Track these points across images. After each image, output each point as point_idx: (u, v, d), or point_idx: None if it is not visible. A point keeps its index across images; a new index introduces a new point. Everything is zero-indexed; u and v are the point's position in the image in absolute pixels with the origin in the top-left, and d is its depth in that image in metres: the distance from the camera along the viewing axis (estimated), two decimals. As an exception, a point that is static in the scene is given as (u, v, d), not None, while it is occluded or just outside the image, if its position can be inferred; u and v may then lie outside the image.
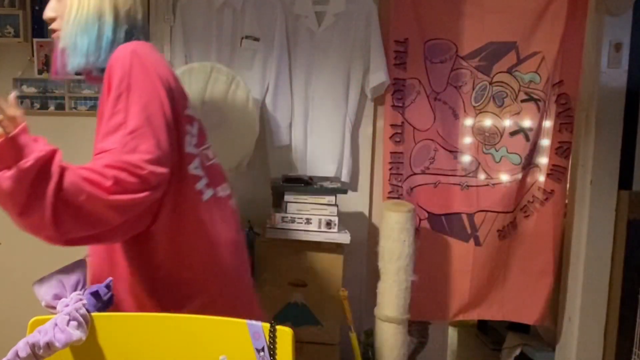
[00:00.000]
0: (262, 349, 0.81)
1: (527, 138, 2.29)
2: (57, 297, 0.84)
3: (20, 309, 1.82)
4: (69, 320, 0.81)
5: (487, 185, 2.31)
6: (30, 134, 0.96)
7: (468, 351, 2.91)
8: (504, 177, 2.30)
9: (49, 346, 0.79)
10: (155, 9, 2.37)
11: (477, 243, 2.31)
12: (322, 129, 2.35)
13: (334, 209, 2.05)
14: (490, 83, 2.30)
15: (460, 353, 2.87)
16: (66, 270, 0.88)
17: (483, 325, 3.01)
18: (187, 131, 1.19)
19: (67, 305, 0.83)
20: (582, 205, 2.22)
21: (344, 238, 2.01)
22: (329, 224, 2.03)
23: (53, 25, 1.24)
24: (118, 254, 1.16)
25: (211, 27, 2.31)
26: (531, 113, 2.27)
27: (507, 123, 2.30)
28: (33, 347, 0.79)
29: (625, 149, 2.16)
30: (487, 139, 2.32)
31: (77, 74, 1.31)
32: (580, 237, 2.21)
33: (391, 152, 2.33)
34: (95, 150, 1.08)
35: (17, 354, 0.78)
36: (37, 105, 2.49)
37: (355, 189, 2.42)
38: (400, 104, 2.32)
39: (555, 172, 2.28)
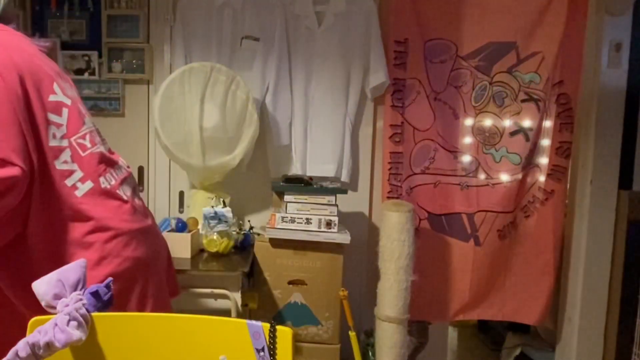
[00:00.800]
0: (262, 349, 0.81)
1: (527, 138, 2.29)
2: (57, 297, 0.84)
3: (20, 309, 1.82)
4: (69, 320, 0.81)
5: (487, 185, 2.31)
6: None
7: (468, 351, 2.90)
8: (504, 177, 2.30)
9: (49, 346, 0.79)
10: (155, 9, 2.37)
11: (477, 243, 2.31)
12: (322, 129, 2.35)
13: (334, 209, 2.05)
14: (490, 83, 2.30)
15: (460, 353, 2.86)
16: (66, 270, 0.88)
17: (483, 325, 3.01)
18: (51, 121, 1.07)
19: (67, 305, 0.83)
20: (582, 205, 2.22)
21: (344, 238, 2.01)
22: (329, 224, 2.03)
23: None
24: None
25: (211, 27, 2.31)
26: (531, 113, 2.27)
27: (507, 123, 2.30)
28: (33, 347, 0.79)
29: (625, 149, 2.16)
30: (487, 139, 2.32)
31: None
32: (580, 237, 2.21)
33: (391, 152, 2.33)
34: None
35: (17, 354, 0.78)
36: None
37: (355, 189, 2.42)
38: (400, 104, 2.32)
39: (556, 172, 2.28)
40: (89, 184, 1.10)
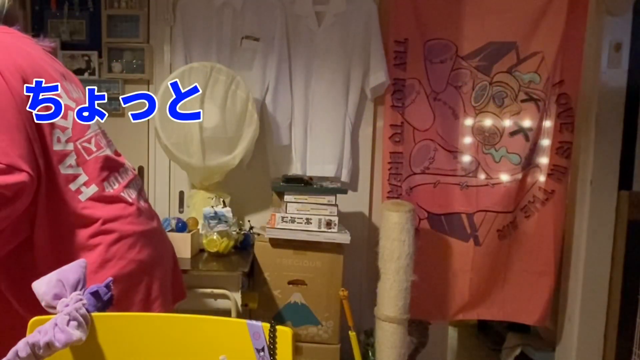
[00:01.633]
0: (262, 349, 0.81)
1: (527, 138, 2.28)
2: (57, 297, 0.84)
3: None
4: (69, 320, 0.81)
5: (487, 185, 2.31)
6: None
7: (468, 351, 2.90)
8: (504, 177, 2.30)
9: (49, 346, 0.79)
10: (155, 9, 2.37)
11: (477, 243, 2.31)
12: (322, 129, 2.35)
13: (334, 209, 2.05)
14: (490, 83, 2.30)
15: (460, 353, 2.86)
16: (66, 270, 0.88)
17: (483, 325, 3.01)
18: (56, 125, 1.06)
19: (67, 305, 0.83)
20: (582, 205, 2.22)
21: (344, 238, 2.01)
22: (329, 224, 2.03)
23: None
24: None
25: (211, 27, 2.31)
26: (531, 113, 2.27)
27: (507, 123, 2.30)
28: (33, 347, 0.79)
29: (625, 149, 2.16)
30: (487, 139, 2.32)
31: None
32: (580, 237, 2.22)
33: (391, 152, 2.33)
34: None
35: (17, 354, 0.78)
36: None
37: (355, 189, 2.42)
38: (400, 104, 2.32)
39: (556, 172, 2.28)
40: (93, 188, 1.10)
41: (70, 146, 1.09)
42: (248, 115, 2.12)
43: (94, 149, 1.13)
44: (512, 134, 2.30)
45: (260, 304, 2.03)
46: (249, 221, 2.31)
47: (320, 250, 2.03)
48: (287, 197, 2.05)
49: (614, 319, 2.17)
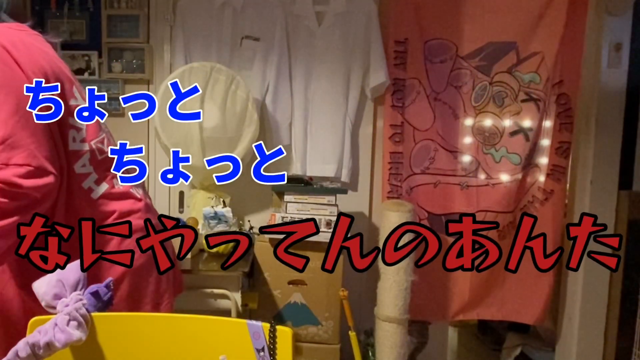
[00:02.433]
0: (262, 349, 0.81)
1: (527, 138, 2.29)
2: (57, 297, 0.84)
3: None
4: (69, 320, 0.81)
5: (487, 185, 2.31)
6: None
7: (468, 351, 2.90)
8: (504, 177, 2.30)
9: (49, 346, 0.79)
10: (155, 9, 2.37)
11: (477, 243, 2.31)
12: (322, 129, 2.35)
13: (334, 209, 2.04)
14: (490, 83, 2.30)
15: (460, 353, 2.86)
16: (66, 270, 0.88)
17: (483, 325, 3.01)
18: (72, 125, 1.08)
19: (67, 305, 0.83)
20: (582, 205, 2.22)
21: (344, 238, 2.01)
22: (329, 224, 2.03)
23: None
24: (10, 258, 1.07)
25: (211, 27, 2.31)
26: (531, 113, 2.27)
27: (507, 123, 2.30)
28: (33, 347, 0.79)
29: (625, 149, 2.16)
30: (487, 139, 2.32)
31: None
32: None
33: (391, 152, 2.33)
34: None
35: (17, 354, 0.78)
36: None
37: (355, 189, 2.42)
38: (400, 104, 2.32)
39: (555, 172, 2.28)
40: (103, 186, 1.13)
41: (86, 146, 1.11)
42: (248, 115, 2.12)
43: (106, 149, 1.16)
44: (512, 134, 2.30)
45: (260, 304, 2.03)
46: (249, 221, 2.31)
47: (320, 250, 2.03)
48: (287, 197, 2.05)
49: (614, 319, 2.17)
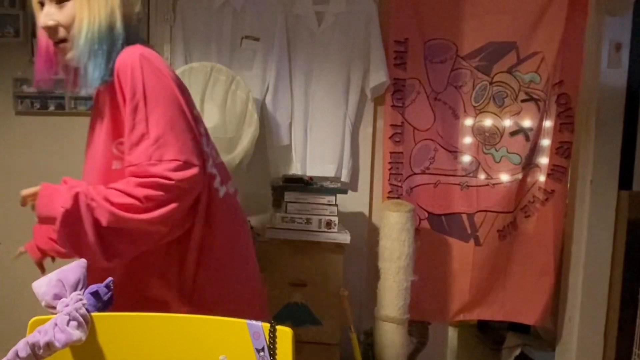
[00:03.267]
0: (262, 349, 0.81)
1: (527, 138, 2.29)
2: (57, 297, 0.84)
3: (20, 309, 1.82)
4: (69, 320, 0.81)
5: (487, 185, 2.31)
6: (53, 188, 1.06)
7: (468, 351, 2.90)
8: (504, 177, 2.30)
9: (49, 346, 0.79)
10: (155, 9, 2.37)
11: (477, 243, 2.31)
12: (322, 128, 2.35)
13: (334, 209, 2.04)
14: (490, 83, 2.30)
15: (460, 353, 2.86)
16: (66, 270, 0.88)
17: (483, 325, 3.01)
18: (200, 131, 1.20)
19: (67, 305, 0.83)
20: (582, 205, 2.22)
21: (344, 238, 2.01)
22: (329, 224, 2.03)
23: (60, 34, 1.14)
24: (152, 257, 1.18)
25: (211, 27, 2.31)
26: (531, 113, 2.27)
27: (507, 123, 2.30)
28: (33, 347, 0.79)
29: (625, 149, 2.16)
30: (487, 139, 2.32)
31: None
32: (580, 237, 2.21)
33: (391, 152, 2.33)
34: (124, 163, 1.10)
35: (17, 354, 0.78)
36: (37, 105, 2.50)
37: (355, 189, 2.42)
38: (400, 104, 2.32)
39: (556, 172, 2.28)
40: (224, 188, 1.26)
41: (208, 149, 1.23)
42: (248, 115, 2.12)
43: (215, 155, 1.29)
44: (513, 133, 2.30)
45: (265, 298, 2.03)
46: (249, 221, 2.30)
47: (320, 250, 2.03)
48: (287, 197, 2.05)
49: (614, 319, 2.17)
